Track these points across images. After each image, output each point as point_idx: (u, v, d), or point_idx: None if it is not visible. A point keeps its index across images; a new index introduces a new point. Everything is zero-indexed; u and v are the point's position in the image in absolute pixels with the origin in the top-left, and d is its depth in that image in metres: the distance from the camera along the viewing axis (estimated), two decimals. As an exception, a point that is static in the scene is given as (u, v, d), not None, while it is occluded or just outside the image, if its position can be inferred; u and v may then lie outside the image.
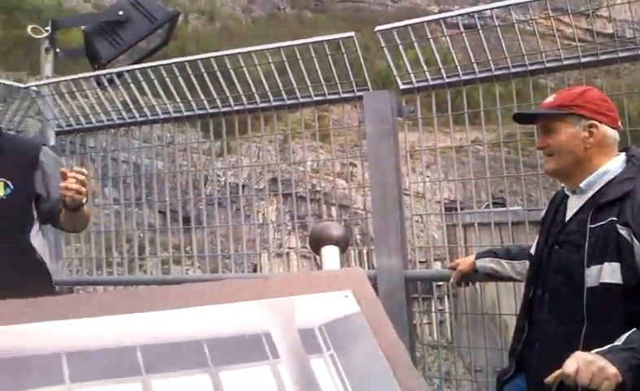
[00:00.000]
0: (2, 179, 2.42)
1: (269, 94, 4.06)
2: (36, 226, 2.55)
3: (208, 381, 0.84)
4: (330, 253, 1.29)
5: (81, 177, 2.35)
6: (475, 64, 3.52)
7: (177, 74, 4.06)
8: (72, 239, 4.51)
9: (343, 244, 1.32)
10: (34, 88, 4.45)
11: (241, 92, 4.07)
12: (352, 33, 3.69)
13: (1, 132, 2.59)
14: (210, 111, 4.17)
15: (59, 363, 0.79)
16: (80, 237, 4.38)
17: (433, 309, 4.48)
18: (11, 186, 2.43)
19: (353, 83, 3.81)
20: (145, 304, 0.91)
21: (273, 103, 4.07)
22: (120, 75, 4.22)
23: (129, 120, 4.37)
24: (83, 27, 4.72)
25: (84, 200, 2.41)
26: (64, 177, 2.34)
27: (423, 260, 3.99)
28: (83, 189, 2.36)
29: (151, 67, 4.12)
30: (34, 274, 2.48)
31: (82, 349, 0.82)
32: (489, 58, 3.44)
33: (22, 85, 4.55)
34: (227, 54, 4.01)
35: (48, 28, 4.76)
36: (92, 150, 4.86)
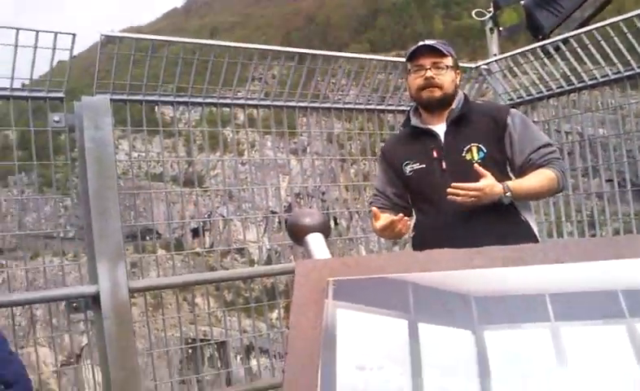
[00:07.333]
0: (475, 144, 2.53)
1: None
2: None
3: (623, 332, 0.86)
4: None
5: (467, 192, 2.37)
6: None
7: (618, 33, 3.86)
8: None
9: None
10: (484, 67, 4.77)
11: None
12: None
13: (468, 100, 2.68)
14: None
15: (544, 303, 0.93)
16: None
17: None
18: (484, 150, 2.53)
19: None
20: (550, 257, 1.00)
21: None
22: (565, 41, 4.24)
23: (567, 88, 4.39)
24: (522, 2, 4.87)
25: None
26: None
27: None
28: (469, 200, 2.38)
29: (595, 28, 4.03)
30: (516, 228, 2.51)
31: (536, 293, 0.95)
32: None
33: (473, 65, 4.85)
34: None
35: (490, 9, 5.08)
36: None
